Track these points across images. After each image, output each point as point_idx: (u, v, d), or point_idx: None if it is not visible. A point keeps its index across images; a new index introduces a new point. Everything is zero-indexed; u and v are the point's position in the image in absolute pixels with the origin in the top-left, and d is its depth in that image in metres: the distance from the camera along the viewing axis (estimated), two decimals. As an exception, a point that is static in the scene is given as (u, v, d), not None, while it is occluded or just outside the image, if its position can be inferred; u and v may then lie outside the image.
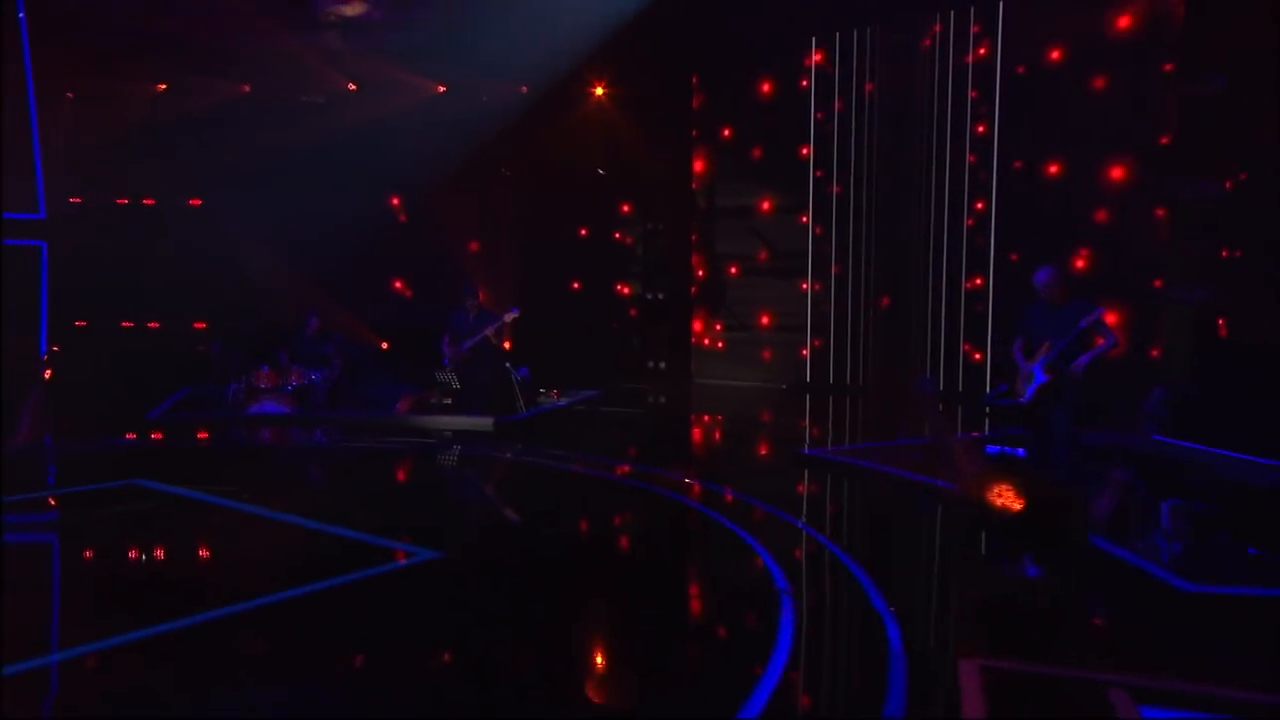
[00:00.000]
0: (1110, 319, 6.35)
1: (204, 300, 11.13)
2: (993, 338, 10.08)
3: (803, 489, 6.73)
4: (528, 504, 6.18)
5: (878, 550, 5.28)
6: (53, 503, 5.95)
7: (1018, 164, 9.79)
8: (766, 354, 12.08)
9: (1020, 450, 6.50)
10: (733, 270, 12.33)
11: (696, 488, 6.50)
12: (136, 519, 5.43)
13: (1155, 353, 8.69)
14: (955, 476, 5.98)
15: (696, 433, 9.46)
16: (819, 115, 11.30)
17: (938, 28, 10.38)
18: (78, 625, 3.79)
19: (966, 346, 10.40)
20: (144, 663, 3.44)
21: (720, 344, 12.47)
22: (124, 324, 11.61)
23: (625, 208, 12.61)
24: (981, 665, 3.58)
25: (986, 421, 8.49)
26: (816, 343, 11.62)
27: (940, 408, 9.95)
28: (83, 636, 3.60)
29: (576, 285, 12.48)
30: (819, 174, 11.40)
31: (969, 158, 10.20)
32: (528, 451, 7.68)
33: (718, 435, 9.22)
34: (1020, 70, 9.71)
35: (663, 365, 12.70)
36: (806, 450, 7.86)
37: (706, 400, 11.33)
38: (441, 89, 12.19)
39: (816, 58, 11.24)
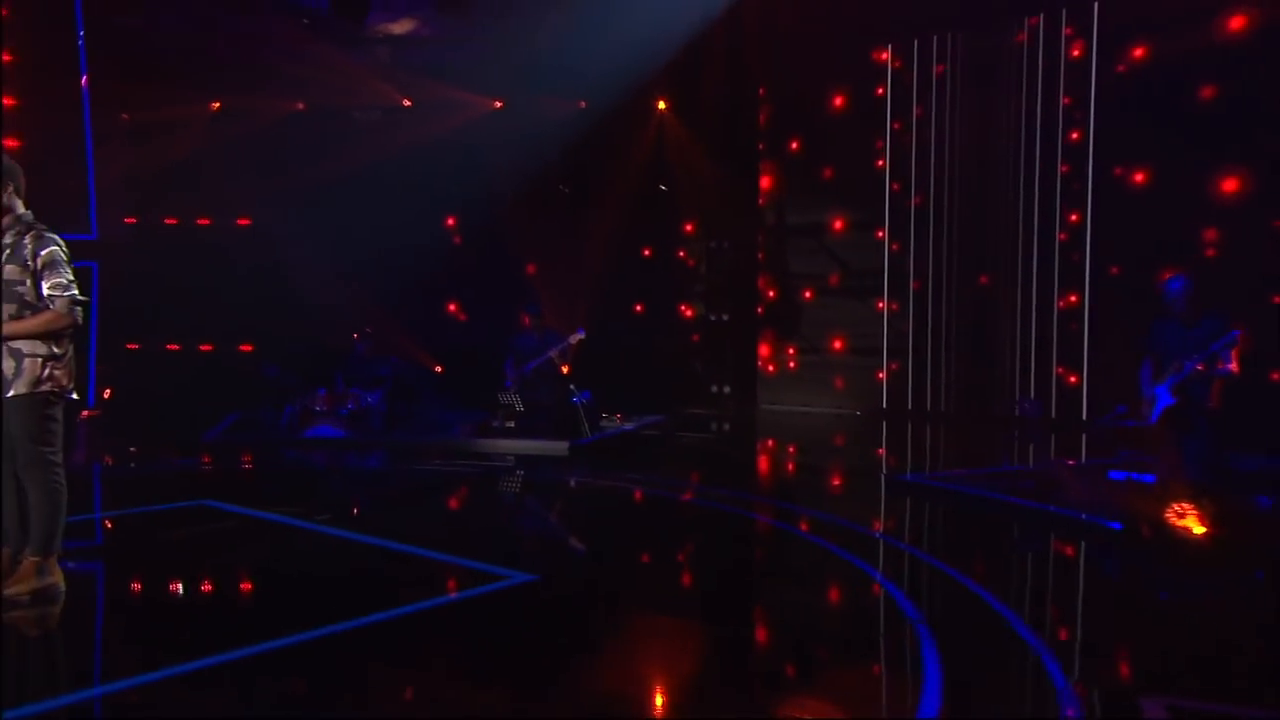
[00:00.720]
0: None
1: (257, 322, 11.06)
2: (1089, 359, 9.66)
3: (910, 515, 6.45)
4: (616, 527, 6.10)
5: (1011, 579, 4.98)
6: (125, 524, 5.94)
7: (1117, 171, 9.42)
8: (839, 378, 11.73)
9: (1148, 476, 6.09)
10: (802, 290, 12.02)
11: (792, 513, 6.30)
12: (215, 540, 5.51)
13: (1276, 375, 8.22)
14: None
15: (778, 458, 9.20)
16: (895, 125, 11.02)
17: (1026, 29, 10.08)
18: (174, 647, 3.78)
19: (1060, 369, 9.97)
20: (244, 685, 3.41)
21: (791, 366, 12.14)
22: (173, 346, 11.58)
23: (688, 226, 12.39)
24: (1169, 706, 3.22)
25: (1083, 446, 8.09)
26: (894, 365, 11.25)
27: (1048, 432, 9.55)
28: (179, 658, 3.60)
29: (639, 308, 12.25)
30: (895, 187, 11.10)
31: (1061, 167, 9.84)
32: (604, 475, 7.63)
33: (801, 461, 8.96)
34: (1120, 69, 9.36)
35: (727, 390, 12.40)
36: (906, 476, 7.53)
37: (778, 426, 11.03)
38: (498, 104, 12.13)
39: (894, 64, 10.98)
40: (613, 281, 11.84)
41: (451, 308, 12.48)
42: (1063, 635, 4.05)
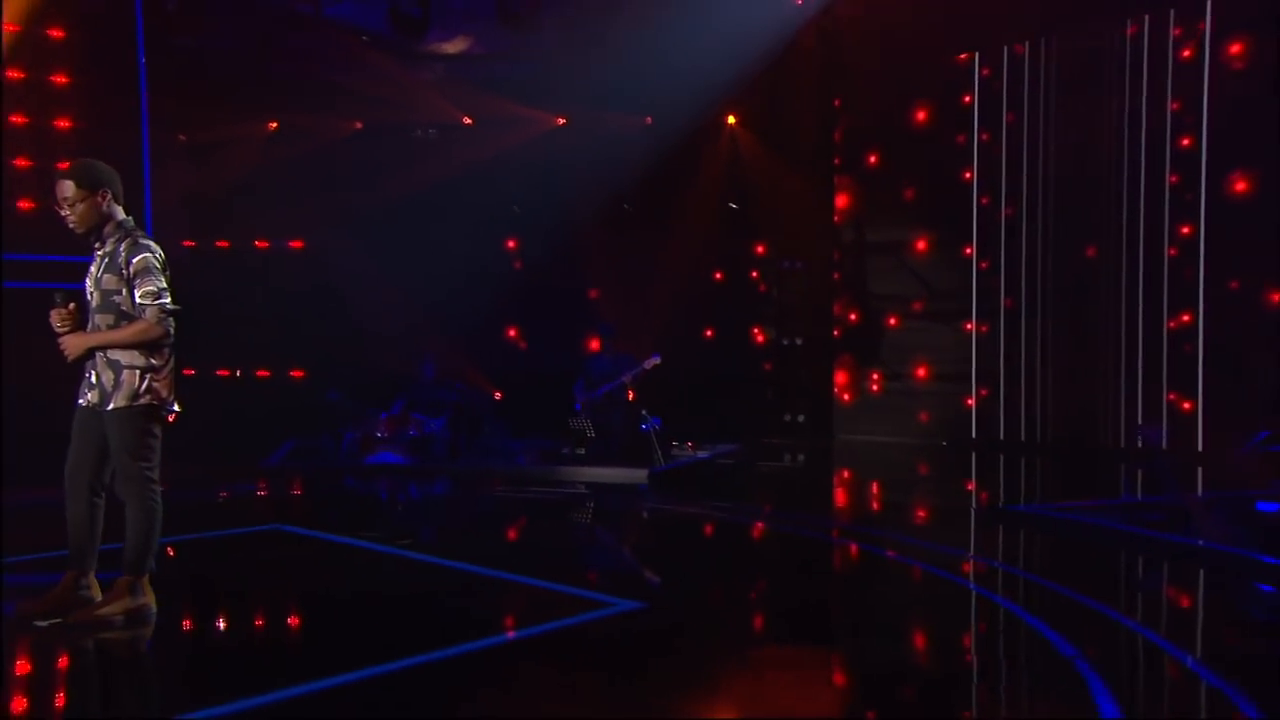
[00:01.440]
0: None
1: (313, 347, 10.97)
2: (1204, 383, 9.14)
3: (1032, 547, 6.14)
4: (712, 555, 6.07)
5: (1166, 614, 4.64)
6: (202, 548, 5.96)
7: (1233, 179, 8.96)
8: (921, 406, 11.32)
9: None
10: (882, 313, 11.65)
11: (899, 543, 6.04)
12: (299, 564, 5.54)
13: None
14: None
15: (869, 488, 8.93)
16: (984, 136, 10.66)
17: (1129, 31, 9.69)
18: (271, 673, 3.78)
19: (1172, 395, 9.45)
20: (364, 707, 3.41)
21: (871, 393, 11.73)
22: (223, 372, 11.52)
23: (760, 246, 12.11)
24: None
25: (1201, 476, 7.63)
26: (983, 392, 10.80)
27: (1169, 459, 9.07)
28: (278, 684, 3.56)
29: (709, 333, 11.96)
30: (984, 201, 10.72)
31: (1170, 177, 9.40)
32: (687, 502, 7.59)
33: (895, 491, 8.66)
34: (1238, 68, 8.92)
35: (801, 419, 12.03)
36: (1019, 507, 7.13)
37: (861, 457, 10.68)
38: (560, 121, 12.01)
39: (982, 72, 10.65)
40: (681, 305, 11.56)
41: (511, 333, 12.33)
42: (1247, 673, 3.66)
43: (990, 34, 10.46)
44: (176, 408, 4.38)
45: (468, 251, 11.24)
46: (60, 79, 10.58)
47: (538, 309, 11.82)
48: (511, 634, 4.15)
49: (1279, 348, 8.77)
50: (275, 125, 11.93)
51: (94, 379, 4.26)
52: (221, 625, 4.53)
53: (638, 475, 8.38)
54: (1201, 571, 5.35)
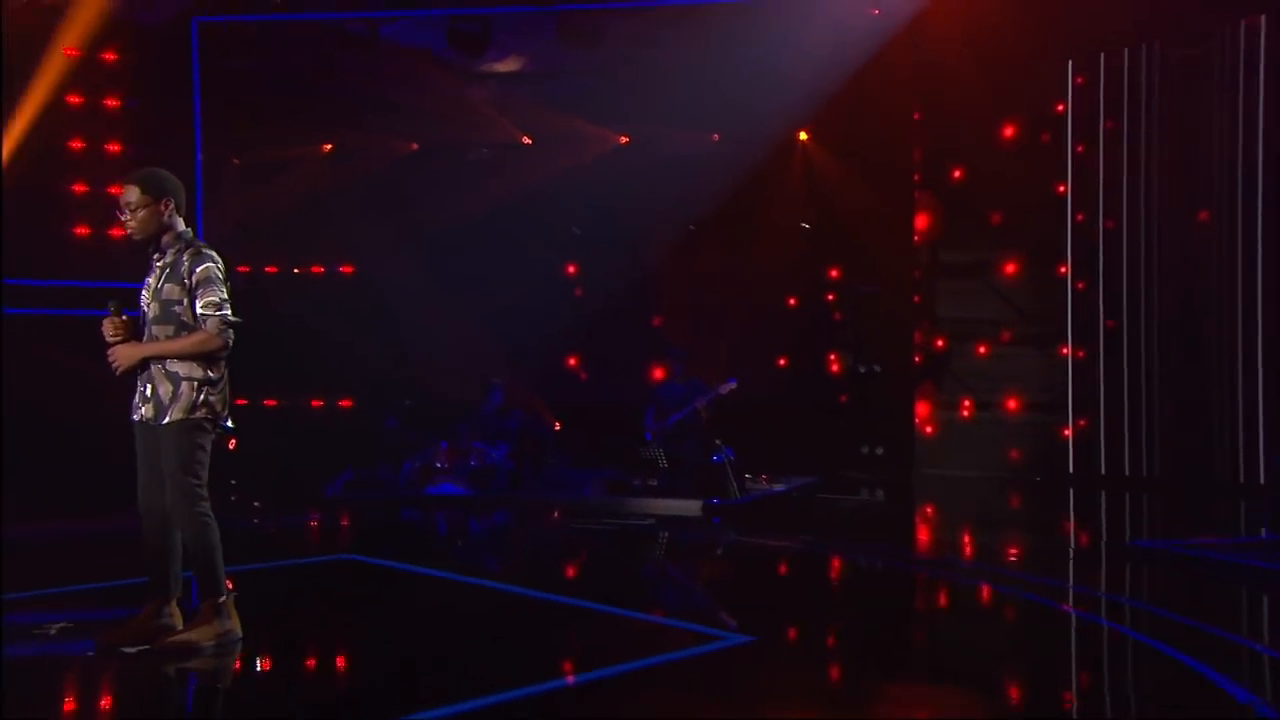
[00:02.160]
0: None
1: (369, 373, 10.86)
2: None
3: (1164, 585, 5.91)
4: (812, 588, 6.05)
5: None
6: (277, 576, 6.04)
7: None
8: (1012, 438, 10.85)
9: None
10: (966, 338, 11.23)
11: (1016, 579, 5.98)
12: (380, 595, 5.57)
13: None
14: None
15: (972, 523, 8.62)
16: (1079, 147, 10.29)
17: (1244, 27, 9.32)
18: (375, 704, 3.79)
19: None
20: None
21: (953, 425, 11.28)
22: (270, 402, 11.45)
23: (835, 269, 11.78)
24: None
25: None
26: (1082, 422, 10.31)
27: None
28: (391, 716, 3.57)
29: (782, 361, 11.64)
30: (1080, 217, 10.32)
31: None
32: (774, 535, 7.55)
33: (1000, 526, 8.43)
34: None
35: (880, 451, 11.59)
36: (1142, 542, 6.71)
37: (951, 491, 10.27)
38: (623, 140, 11.88)
39: (1076, 80, 10.30)
40: (751, 331, 11.34)
41: (572, 362, 12.15)
42: None
43: (1086, 39, 10.12)
44: (230, 424, 4.37)
45: (526, 276, 11.14)
46: (114, 102, 10.70)
47: (599, 337, 11.63)
48: (629, 665, 4.14)
49: None
50: (330, 147, 11.95)
51: (149, 392, 4.24)
52: (320, 656, 4.53)
53: (712, 508, 8.27)
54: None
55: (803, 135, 11.56)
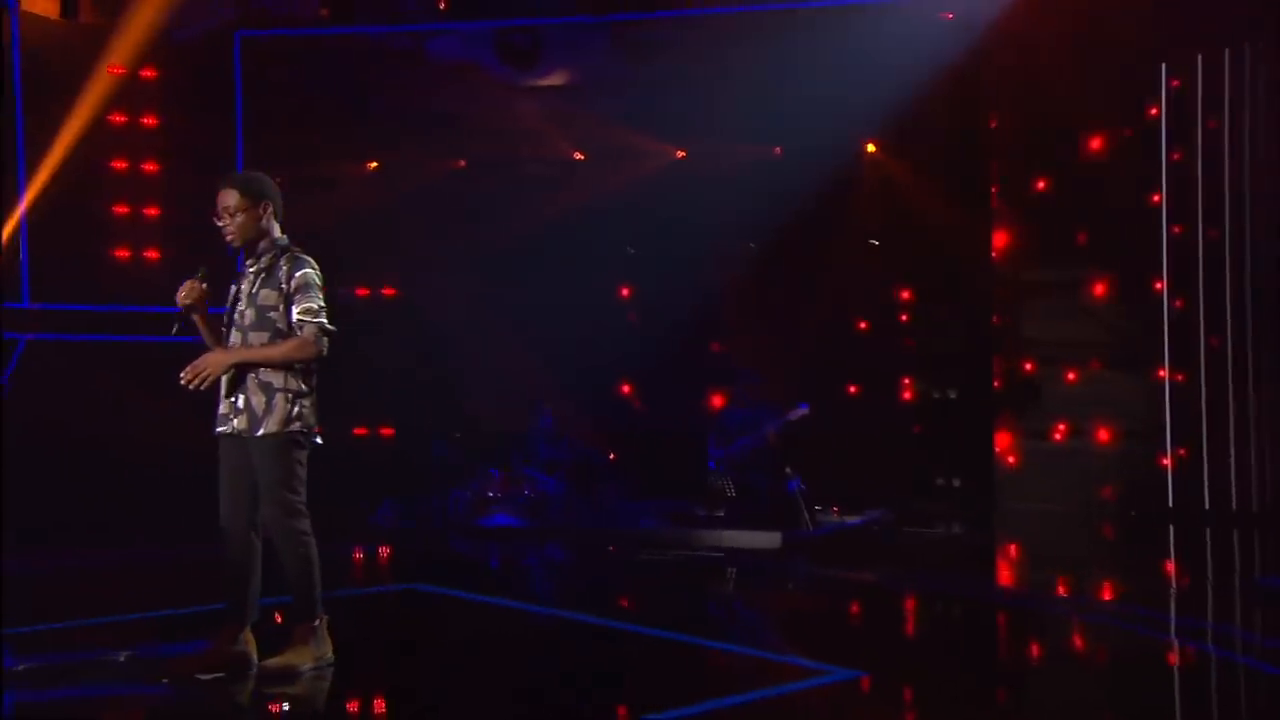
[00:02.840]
0: None
1: (415, 399, 10.71)
2: None
3: None
4: (908, 624, 6.10)
5: None
6: (348, 606, 6.00)
7: None
8: (1102, 469, 10.36)
9: None
10: (1052, 361, 10.81)
11: (1142, 616, 5.94)
12: (458, 626, 5.64)
13: None
14: None
15: (1070, 558, 8.48)
16: (1175, 155, 9.91)
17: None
18: None
19: None
20: None
21: (1036, 455, 10.84)
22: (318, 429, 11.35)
23: (906, 290, 11.44)
24: None
25: None
26: (1181, 451, 9.83)
27: None
28: None
29: (851, 388, 11.30)
30: (1177, 230, 9.92)
31: None
32: (853, 569, 7.56)
33: (1102, 562, 8.39)
34: None
35: (956, 483, 11.18)
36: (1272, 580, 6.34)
37: (1041, 525, 9.89)
38: (680, 154, 11.72)
39: (1171, 83, 9.96)
40: (818, 356, 10.99)
41: (625, 389, 11.91)
42: None
43: (1181, 38, 9.76)
44: (319, 439, 4.34)
45: (578, 299, 10.98)
46: (151, 120, 10.70)
47: (653, 361, 11.27)
48: (741, 698, 4.13)
49: None
50: (375, 165, 11.89)
51: (240, 403, 4.21)
52: (419, 685, 4.49)
53: (794, 540, 8.28)
54: None
55: (871, 147, 11.28)
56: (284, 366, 4.17)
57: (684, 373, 11.16)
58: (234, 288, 4.41)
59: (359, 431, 11.19)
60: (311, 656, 4.19)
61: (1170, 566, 8.08)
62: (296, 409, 4.20)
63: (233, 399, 4.21)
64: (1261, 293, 9.46)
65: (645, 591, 7.00)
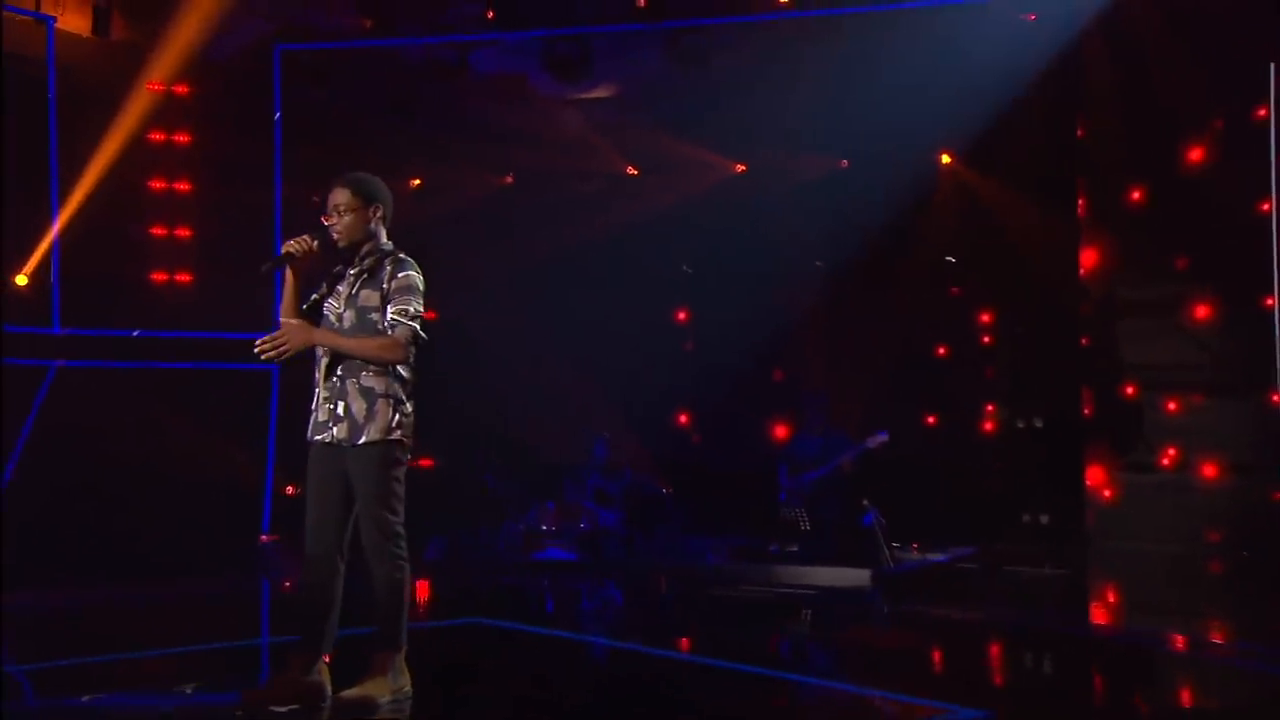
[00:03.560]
0: None
1: (460, 428, 10.56)
2: None
3: None
4: (1025, 663, 6.04)
5: None
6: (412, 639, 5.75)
7: None
8: (1209, 505, 9.87)
9: None
10: (1148, 387, 10.40)
11: (1250, 650, 6.08)
12: (532, 661, 5.64)
13: None
14: None
15: (1192, 597, 8.28)
16: (1285, 157, 9.54)
17: None
18: None
19: None
20: None
21: (1133, 489, 10.45)
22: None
23: (987, 311, 11.10)
24: None
25: None
26: (1300, 484, 9.39)
27: None
28: None
29: (930, 418, 10.98)
30: (1292, 237, 9.52)
31: None
32: (945, 606, 7.54)
33: (1220, 601, 8.22)
34: None
35: (1045, 519, 10.78)
36: None
37: (1142, 565, 9.52)
38: (740, 168, 11.56)
39: (1280, 80, 9.60)
40: (893, 382, 10.72)
41: (683, 419, 11.69)
42: None
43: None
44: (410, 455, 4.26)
45: (632, 322, 10.87)
46: (184, 138, 10.71)
47: (713, 389, 11.18)
48: None
49: None
50: (418, 183, 11.82)
51: (340, 409, 4.14)
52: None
53: (862, 577, 8.09)
54: None
55: (946, 158, 10.98)
56: (381, 370, 4.10)
57: (747, 400, 10.92)
58: (319, 290, 4.38)
59: (425, 463, 11.13)
60: (390, 688, 4.13)
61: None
62: (398, 417, 4.16)
63: (331, 405, 4.14)
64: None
65: (735, 627, 6.93)
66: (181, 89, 10.52)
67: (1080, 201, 10.81)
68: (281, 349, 4.15)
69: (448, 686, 4.84)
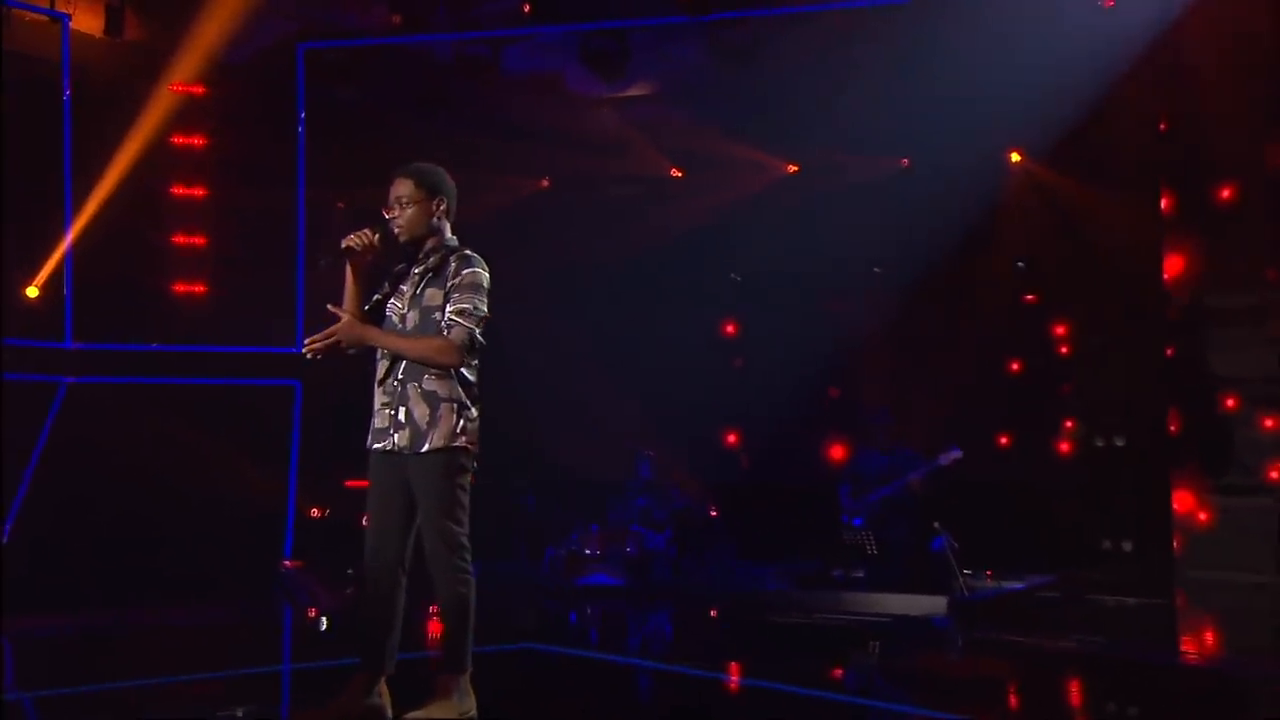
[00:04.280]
0: None
1: (495, 446, 10.47)
2: None
3: None
4: (1140, 695, 5.97)
5: None
6: None
7: None
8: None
9: None
10: (1240, 404, 10.07)
11: None
12: (597, 689, 5.70)
13: None
14: None
15: None
16: (1394, 151, 9.28)
17: None
18: None
19: None
20: None
21: (1225, 513, 10.11)
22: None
23: (1063, 322, 10.85)
24: None
25: None
26: None
27: None
28: None
29: (1003, 438, 10.72)
30: (1400, 241, 9.24)
31: None
32: (1047, 637, 7.45)
33: None
34: None
35: (1127, 546, 10.51)
36: None
37: (1238, 596, 9.20)
38: (792, 169, 11.44)
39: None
40: (962, 400, 10.49)
41: (731, 439, 11.53)
42: None
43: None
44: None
45: (677, 334, 10.78)
46: (201, 141, 10.71)
47: (764, 406, 10.91)
48: None
49: None
50: (447, 187, 11.78)
51: (402, 416, 4.11)
52: None
53: (934, 604, 7.89)
54: None
55: (1015, 156, 10.76)
56: (443, 373, 4.07)
57: (802, 418, 10.71)
58: (381, 289, 4.35)
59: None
60: (456, 711, 4.10)
61: None
62: (462, 422, 4.11)
63: (392, 411, 4.10)
64: None
65: (810, 655, 6.90)
66: (199, 90, 10.53)
67: (1164, 201, 10.58)
68: (330, 345, 4.14)
69: (508, 713, 4.71)
